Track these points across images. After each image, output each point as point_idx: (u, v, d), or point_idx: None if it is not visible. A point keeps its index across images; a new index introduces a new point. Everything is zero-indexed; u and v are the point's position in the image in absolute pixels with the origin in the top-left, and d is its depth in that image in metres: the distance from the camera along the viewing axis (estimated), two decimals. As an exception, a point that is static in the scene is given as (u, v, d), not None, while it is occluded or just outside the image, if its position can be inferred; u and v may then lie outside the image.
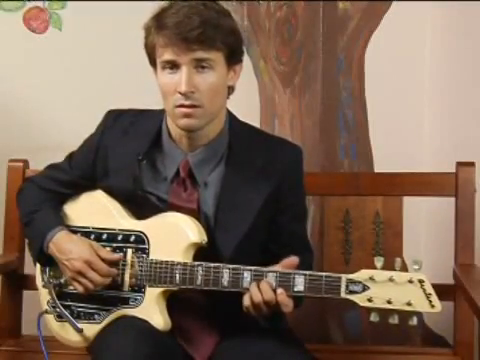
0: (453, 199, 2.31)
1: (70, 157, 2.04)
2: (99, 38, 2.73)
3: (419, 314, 1.69)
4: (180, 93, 1.77)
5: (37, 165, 2.27)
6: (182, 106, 1.78)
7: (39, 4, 2.76)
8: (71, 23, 2.75)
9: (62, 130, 2.71)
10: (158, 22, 1.79)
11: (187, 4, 1.78)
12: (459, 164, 2.31)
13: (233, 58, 1.83)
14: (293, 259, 1.77)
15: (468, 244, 2.27)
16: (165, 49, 1.77)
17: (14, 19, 2.74)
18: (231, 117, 1.94)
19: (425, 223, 2.73)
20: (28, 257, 2.10)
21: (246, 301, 1.76)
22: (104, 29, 2.73)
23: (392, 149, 2.73)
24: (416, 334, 2.75)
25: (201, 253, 1.83)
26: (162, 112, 1.92)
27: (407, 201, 2.62)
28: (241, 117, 1.99)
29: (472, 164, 2.31)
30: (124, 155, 1.92)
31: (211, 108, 1.82)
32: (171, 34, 1.75)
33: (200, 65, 1.77)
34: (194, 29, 1.74)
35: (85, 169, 1.98)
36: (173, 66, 1.78)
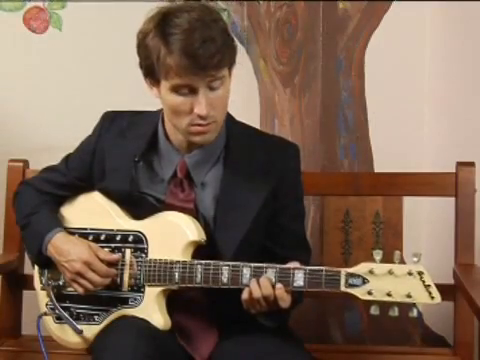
0: (453, 199, 2.31)
1: (67, 159, 2.04)
2: (99, 38, 2.72)
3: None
4: (200, 116, 1.76)
5: (37, 165, 2.27)
6: (199, 125, 1.78)
7: (39, 4, 2.75)
8: (71, 23, 2.75)
9: (62, 130, 2.71)
10: (166, 46, 1.73)
11: (189, 25, 1.72)
12: (459, 164, 2.31)
13: (233, 65, 1.83)
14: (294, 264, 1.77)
15: (468, 244, 2.27)
16: (178, 74, 1.73)
17: (14, 19, 2.74)
18: (228, 117, 1.93)
19: (425, 223, 2.73)
20: (28, 257, 2.10)
21: (245, 294, 1.76)
22: (104, 29, 2.72)
23: (392, 149, 2.73)
24: (416, 334, 2.75)
25: (201, 254, 1.83)
26: (158, 113, 1.92)
27: (407, 201, 2.62)
28: (241, 117, 1.98)
29: (472, 164, 2.31)
30: (121, 156, 1.92)
31: (222, 119, 1.84)
32: (188, 64, 1.71)
33: (213, 84, 1.76)
34: (211, 57, 1.71)
35: (82, 171, 1.98)
36: (188, 89, 1.76)
